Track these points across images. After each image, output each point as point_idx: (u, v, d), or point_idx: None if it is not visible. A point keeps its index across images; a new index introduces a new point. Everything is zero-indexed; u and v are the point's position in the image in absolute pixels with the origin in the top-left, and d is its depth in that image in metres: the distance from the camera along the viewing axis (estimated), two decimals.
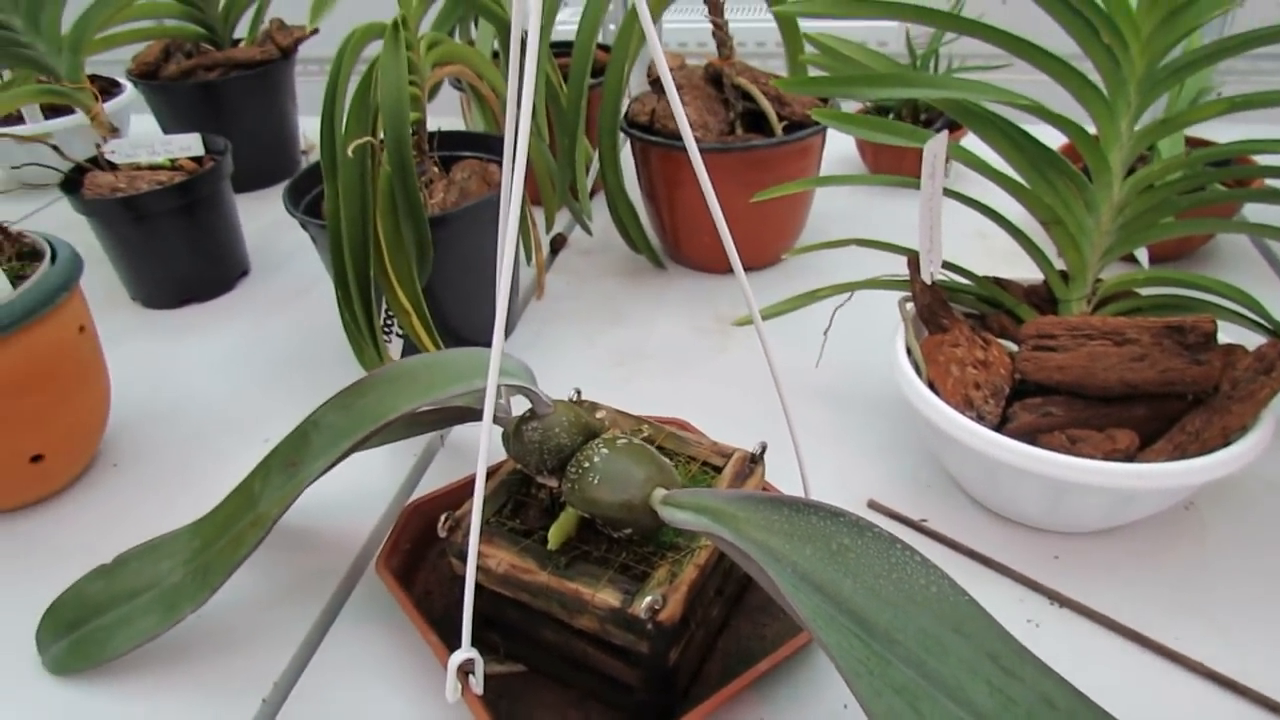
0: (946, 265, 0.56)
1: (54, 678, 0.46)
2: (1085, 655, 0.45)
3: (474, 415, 0.49)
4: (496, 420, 0.47)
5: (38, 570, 0.52)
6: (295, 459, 0.43)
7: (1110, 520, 0.50)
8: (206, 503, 0.49)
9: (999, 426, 0.49)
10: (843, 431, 0.61)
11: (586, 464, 0.40)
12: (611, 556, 0.42)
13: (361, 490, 0.57)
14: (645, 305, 0.76)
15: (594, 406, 0.50)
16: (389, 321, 0.63)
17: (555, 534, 0.41)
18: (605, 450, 0.41)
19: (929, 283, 0.53)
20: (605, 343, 0.72)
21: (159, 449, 0.62)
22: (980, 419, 0.49)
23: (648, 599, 0.39)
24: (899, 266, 0.57)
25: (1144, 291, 0.55)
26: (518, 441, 0.42)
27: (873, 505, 0.55)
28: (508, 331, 0.72)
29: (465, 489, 0.53)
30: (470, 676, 0.41)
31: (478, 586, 0.43)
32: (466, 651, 0.40)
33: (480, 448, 0.37)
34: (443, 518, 0.43)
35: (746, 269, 0.42)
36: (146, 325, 0.77)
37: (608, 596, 0.39)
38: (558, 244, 0.85)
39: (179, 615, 0.43)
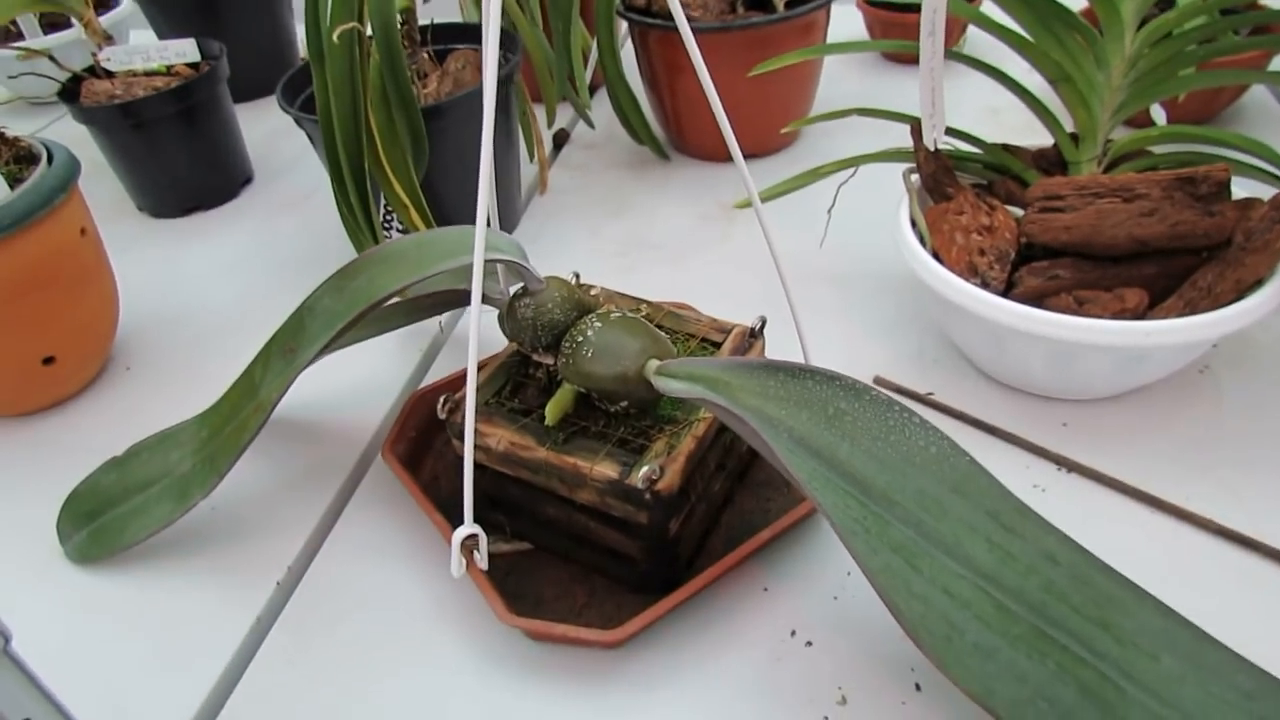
0: (953, 133, 0.55)
1: (77, 566, 0.47)
2: (1093, 517, 0.45)
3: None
4: (493, 302, 0.46)
5: (57, 468, 0.53)
6: (293, 344, 0.43)
7: (1121, 384, 0.49)
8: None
9: (1005, 292, 0.48)
10: (848, 310, 0.60)
11: (580, 338, 0.40)
12: (609, 431, 0.42)
13: (369, 384, 0.58)
14: (649, 196, 0.75)
15: (588, 287, 0.50)
16: (389, 217, 0.62)
17: (552, 409, 0.41)
18: (599, 324, 0.40)
19: (932, 149, 0.52)
20: (609, 234, 0.71)
21: (170, 351, 0.63)
22: (985, 285, 0.48)
23: (645, 469, 0.39)
24: (905, 142, 0.56)
25: (1158, 150, 0.53)
26: (511, 319, 0.42)
27: (878, 381, 0.54)
28: (510, 226, 0.71)
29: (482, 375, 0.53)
30: (475, 552, 0.41)
31: (480, 467, 0.44)
32: (469, 528, 0.40)
33: (470, 321, 0.36)
34: (441, 400, 0.44)
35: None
36: (153, 234, 0.77)
37: (605, 469, 0.40)
38: (560, 140, 0.84)
39: (190, 502, 0.44)
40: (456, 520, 0.41)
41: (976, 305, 0.47)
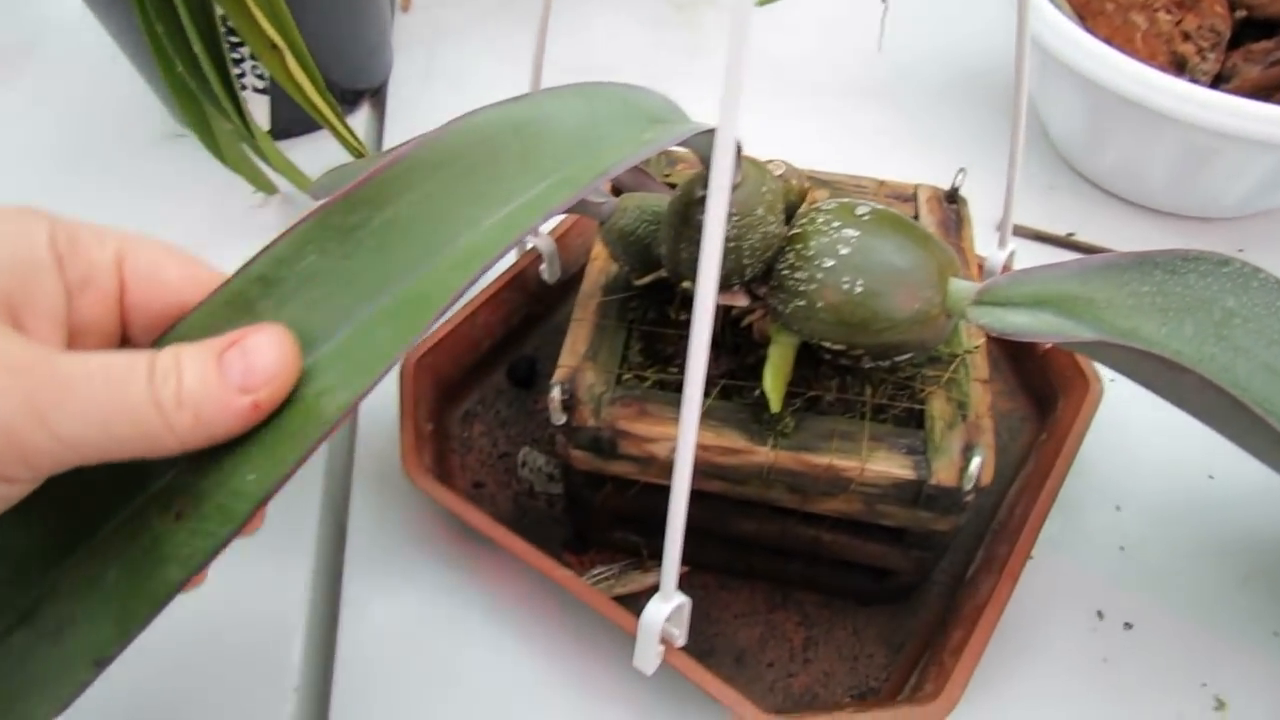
0: None
1: None
2: None
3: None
4: (590, 210, 0.28)
5: None
6: None
7: None
8: None
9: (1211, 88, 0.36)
10: (928, 136, 0.45)
11: (827, 260, 0.23)
12: (853, 396, 0.26)
13: None
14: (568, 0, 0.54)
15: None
16: (240, 69, 0.38)
17: (773, 384, 0.24)
18: (849, 230, 0.23)
19: None
20: (531, 61, 0.50)
21: None
22: (1193, 80, 0.35)
23: (976, 459, 0.24)
24: None
25: None
26: (688, 243, 0.23)
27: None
28: (383, 67, 0.49)
29: (488, 314, 0.34)
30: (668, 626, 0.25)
31: (622, 482, 0.27)
32: (669, 599, 0.24)
33: (704, 258, 0.18)
34: (556, 389, 0.25)
35: None
36: None
37: (888, 465, 0.24)
38: None
39: None
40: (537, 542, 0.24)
41: (1189, 109, 0.34)
